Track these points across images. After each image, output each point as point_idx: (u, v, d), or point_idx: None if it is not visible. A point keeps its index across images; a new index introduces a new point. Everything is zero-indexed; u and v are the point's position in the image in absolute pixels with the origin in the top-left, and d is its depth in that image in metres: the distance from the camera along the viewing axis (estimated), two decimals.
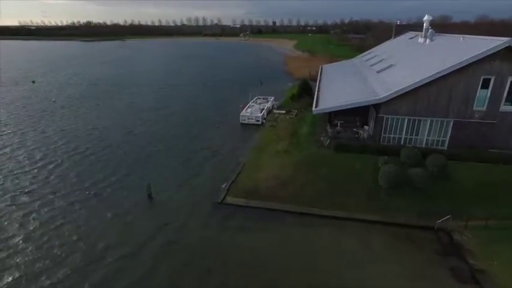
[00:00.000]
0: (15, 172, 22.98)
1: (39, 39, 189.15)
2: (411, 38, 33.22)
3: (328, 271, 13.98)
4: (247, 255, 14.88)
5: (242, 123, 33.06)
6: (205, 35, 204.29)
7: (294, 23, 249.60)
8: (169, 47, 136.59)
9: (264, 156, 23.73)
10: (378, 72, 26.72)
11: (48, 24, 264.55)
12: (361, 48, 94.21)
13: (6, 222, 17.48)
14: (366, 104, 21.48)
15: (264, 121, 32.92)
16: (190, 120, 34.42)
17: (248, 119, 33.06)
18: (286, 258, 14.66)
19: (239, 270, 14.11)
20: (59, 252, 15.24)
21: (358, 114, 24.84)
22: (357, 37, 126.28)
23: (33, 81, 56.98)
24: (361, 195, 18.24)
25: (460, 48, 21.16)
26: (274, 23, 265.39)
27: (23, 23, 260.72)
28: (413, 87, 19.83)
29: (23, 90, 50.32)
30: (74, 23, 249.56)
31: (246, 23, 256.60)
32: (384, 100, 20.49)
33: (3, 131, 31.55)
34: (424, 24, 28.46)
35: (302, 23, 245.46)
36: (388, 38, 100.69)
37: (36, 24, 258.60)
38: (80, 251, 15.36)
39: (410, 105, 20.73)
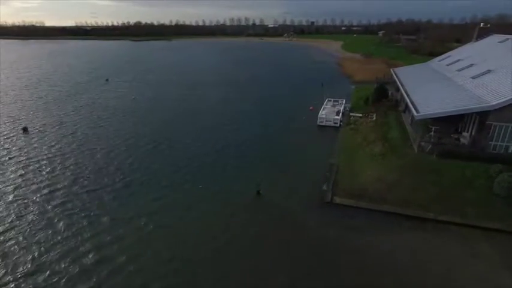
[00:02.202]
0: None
1: (94, 39, 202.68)
2: (502, 42, 31.91)
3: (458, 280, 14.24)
4: (384, 258, 15.38)
5: (319, 125, 33.68)
6: (249, 35, 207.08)
7: (337, 22, 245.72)
8: (216, 48, 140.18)
9: (358, 159, 24.21)
10: (472, 78, 26.14)
11: (101, 24, 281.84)
12: (416, 50, 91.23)
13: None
14: (476, 110, 21.20)
15: (341, 124, 33.33)
16: (264, 121, 35.40)
17: (326, 121, 33.60)
18: (423, 264, 15.04)
19: (384, 275, 14.57)
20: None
21: (453, 120, 24.48)
22: (407, 38, 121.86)
23: (107, 80, 61.61)
24: (476, 202, 18.14)
25: None
26: (312, 22, 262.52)
27: (78, 24, 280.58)
28: None
29: (101, 89, 54.64)
30: (124, 23, 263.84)
31: (288, 22, 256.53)
32: (496, 107, 20.16)
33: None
34: None
35: (346, 22, 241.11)
36: (442, 39, 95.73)
37: (90, 25, 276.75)
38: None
39: None
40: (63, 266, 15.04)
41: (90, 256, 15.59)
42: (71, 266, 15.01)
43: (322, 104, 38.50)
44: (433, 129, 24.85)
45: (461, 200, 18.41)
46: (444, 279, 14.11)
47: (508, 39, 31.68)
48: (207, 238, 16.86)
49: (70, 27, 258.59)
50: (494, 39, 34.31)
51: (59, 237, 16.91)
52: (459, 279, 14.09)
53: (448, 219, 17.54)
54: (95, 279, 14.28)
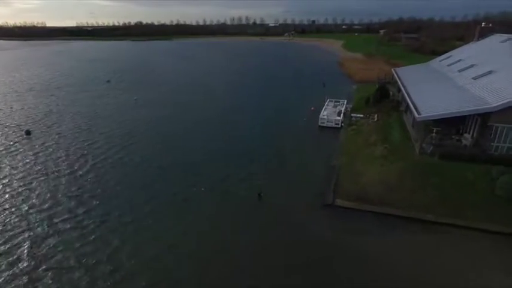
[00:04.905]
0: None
1: (95, 40, 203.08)
2: (503, 42, 31.74)
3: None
4: (384, 260, 15.42)
5: (320, 126, 33.67)
6: (249, 34, 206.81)
7: (338, 21, 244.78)
8: (219, 49, 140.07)
9: (360, 161, 24.18)
10: (474, 78, 26.06)
11: (101, 24, 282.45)
12: (417, 49, 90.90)
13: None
14: (478, 112, 21.16)
15: (342, 124, 33.30)
16: (264, 122, 35.45)
17: (327, 122, 33.58)
18: (423, 267, 15.07)
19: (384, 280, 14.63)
20: None
21: (454, 122, 24.41)
22: (409, 37, 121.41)
23: (108, 81, 61.75)
24: (477, 204, 18.12)
25: None
26: (313, 21, 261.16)
27: (79, 24, 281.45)
28: None
29: (102, 88, 54.91)
30: (125, 23, 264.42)
31: (289, 21, 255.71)
32: (498, 109, 20.11)
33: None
34: None
35: (347, 21, 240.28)
36: (444, 37, 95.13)
37: (91, 26, 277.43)
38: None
39: None
40: None
41: None
42: None
43: (323, 104, 38.45)
44: (434, 130, 24.81)
45: (462, 202, 18.39)
46: (445, 282, 14.15)
47: (510, 38, 31.50)
48: (205, 244, 16.99)
49: (71, 27, 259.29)
50: (497, 38, 34.12)
51: None
52: (460, 282, 14.12)
53: (450, 221, 17.54)
54: None
